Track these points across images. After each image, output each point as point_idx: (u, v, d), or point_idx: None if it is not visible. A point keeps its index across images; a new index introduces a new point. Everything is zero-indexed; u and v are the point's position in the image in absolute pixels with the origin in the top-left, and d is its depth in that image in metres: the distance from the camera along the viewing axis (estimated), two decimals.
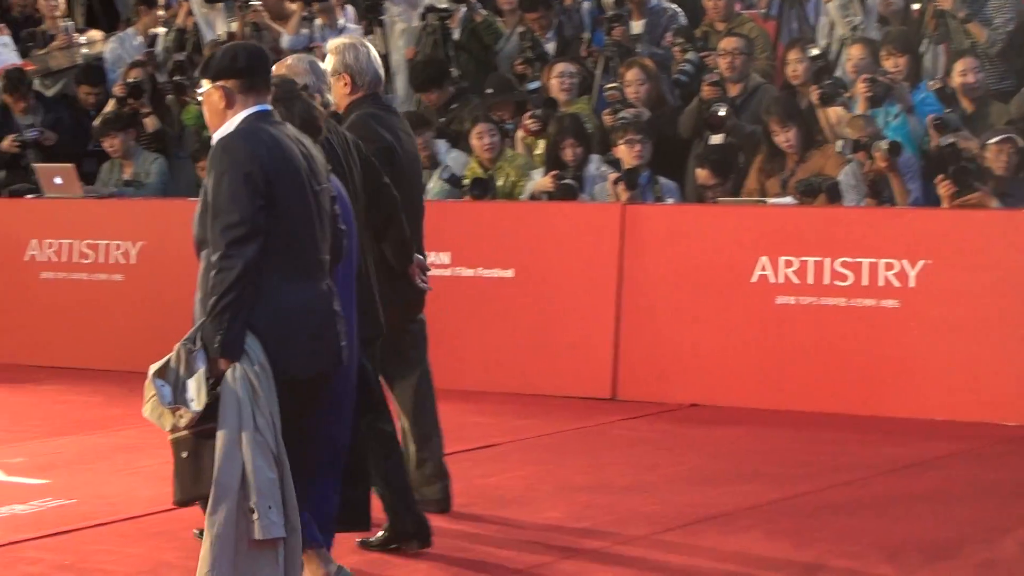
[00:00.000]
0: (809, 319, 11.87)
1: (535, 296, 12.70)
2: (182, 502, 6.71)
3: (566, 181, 12.86)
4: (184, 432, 6.57)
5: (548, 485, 9.78)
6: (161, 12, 16.26)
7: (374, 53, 8.58)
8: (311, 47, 14.91)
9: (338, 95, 8.52)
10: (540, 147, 13.57)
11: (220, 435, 6.48)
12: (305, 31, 15.29)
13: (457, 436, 11.01)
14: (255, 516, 6.47)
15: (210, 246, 6.59)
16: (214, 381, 6.52)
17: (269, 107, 6.85)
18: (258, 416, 6.49)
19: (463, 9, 15.08)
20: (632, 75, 13.57)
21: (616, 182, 12.63)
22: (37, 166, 14.52)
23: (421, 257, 8.56)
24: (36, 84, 15.71)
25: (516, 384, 12.58)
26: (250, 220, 6.53)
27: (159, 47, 15.85)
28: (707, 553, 8.26)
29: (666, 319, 12.29)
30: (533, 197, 13.11)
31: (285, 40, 15.16)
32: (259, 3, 15.46)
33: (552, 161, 13.17)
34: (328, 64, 8.46)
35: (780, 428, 11.35)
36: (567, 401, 12.27)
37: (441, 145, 13.75)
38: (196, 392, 6.51)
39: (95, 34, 16.60)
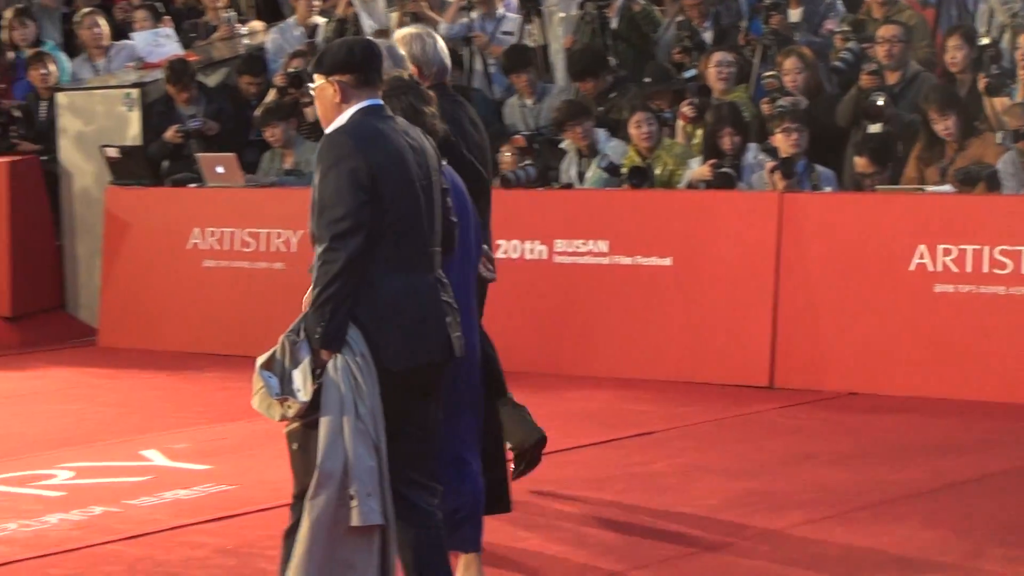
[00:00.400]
0: (967, 307, 11.76)
1: (693, 284, 12.67)
2: (298, 495, 6.75)
3: (724, 170, 12.82)
4: (295, 424, 6.69)
5: (705, 472, 9.78)
6: (317, 2, 16.36)
7: (441, 44, 8.40)
8: (470, 36, 15.00)
9: None
10: (698, 136, 13.54)
11: (323, 423, 6.58)
12: (463, 20, 15.34)
13: (615, 423, 11.10)
14: (354, 503, 6.53)
15: (316, 240, 6.67)
16: (319, 371, 6.61)
17: (380, 101, 6.88)
18: (360, 406, 6.57)
19: None
20: (790, 63, 13.48)
21: (773, 171, 12.57)
22: (200, 156, 14.68)
23: (486, 247, 8.41)
24: (199, 75, 15.88)
25: (673, 372, 12.56)
26: (354, 214, 6.59)
27: (319, 37, 15.96)
28: (865, 540, 8.22)
29: (824, 307, 12.22)
30: (691, 186, 13.07)
31: (442, 28, 15.22)
32: None
33: (710, 150, 13.13)
34: None
35: (938, 416, 11.25)
36: (724, 389, 12.23)
37: (600, 134, 13.74)
38: (302, 383, 6.62)
39: (256, 24, 16.75)
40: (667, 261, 12.75)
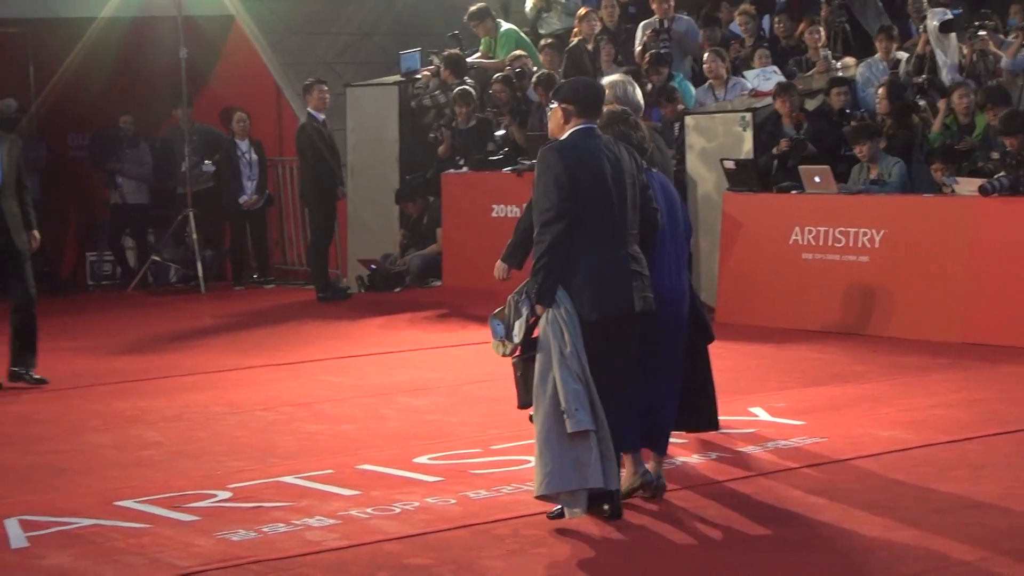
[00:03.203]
0: None
1: None
2: (523, 406, 7.89)
3: None
4: (515, 358, 7.86)
5: None
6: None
7: (636, 90, 8.94)
8: None
9: None
10: None
11: (538, 360, 7.64)
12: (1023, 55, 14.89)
13: None
14: (566, 416, 7.48)
15: (535, 225, 7.72)
16: (534, 321, 7.70)
17: (593, 125, 7.86)
18: (564, 346, 7.55)
19: None
20: None
21: None
22: (801, 168, 14.75)
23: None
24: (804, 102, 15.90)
25: None
26: (555, 207, 7.61)
27: (901, 70, 15.78)
28: None
29: None
30: None
31: (1004, 63, 14.84)
32: (984, 33, 15.19)
33: None
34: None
35: None
36: None
37: None
38: (518, 330, 7.79)
39: (848, 60, 16.68)
40: None
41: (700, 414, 8.68)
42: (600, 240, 7.70)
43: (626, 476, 8.08)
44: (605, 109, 8.21)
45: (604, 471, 7.57)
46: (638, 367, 7.94)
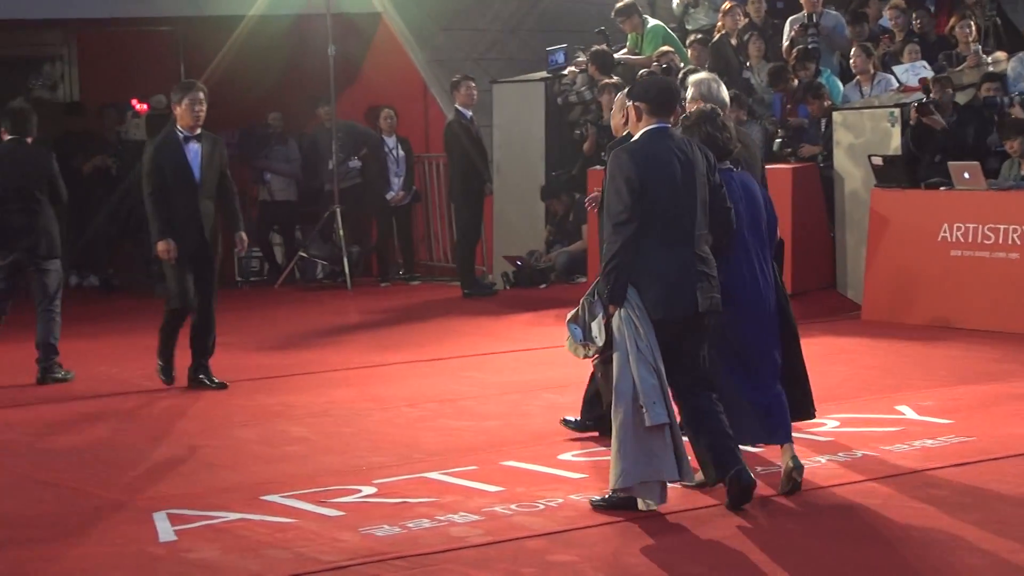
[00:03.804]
0: None
1: None
2: (607, 406, 8.05)
3: None
4: (596, 360, 8.06)
5: None
6: None
7: (722, 87, 8.91)
8: None
9: None
10: None
11: (615, 358, 7.78)
12: None
13: None
14: (644, 410, 7.63)
15: (606, 226, 7.82)
16: (607, 322, 7.81)
17: (666, 125, 7.95)
18: (640, 343, 7.70)
19: None
20: None
21: None
22: (950, 164, 14.56)
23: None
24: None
25: None
26: (628, 209, 7.71)
27: None
28: None
29: None
30: None
31: None
32: None
33: None
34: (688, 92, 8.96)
35: None
36: None
37: None
38: (598, 331, 7.90)
39: (1000, 55, 16.43)
40: None
41: (794, 405, 8.53)
42: (667, 241, 7.83)
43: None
44: (694, 107, 8.46)
45: (679, 464, 7.77)
46: (718, 365, 8.11)
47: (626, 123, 8.61)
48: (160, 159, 11.79)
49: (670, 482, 7.87)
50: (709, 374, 8.03)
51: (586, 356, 8.18)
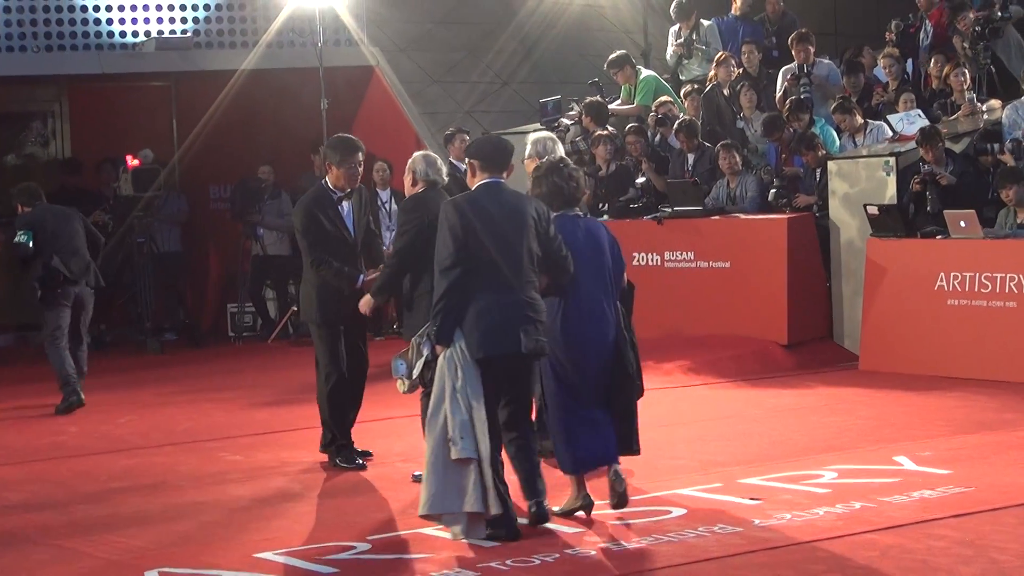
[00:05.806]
0: None
1: None
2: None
3: None
4: (421, 395, 8.95)
5: None
6: None
7: (558, 145, 9.73)
8: None
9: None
10: None
11: (433, 393, 8.46)
12: None
13: None
14: (451, 444, 8.27)
15: (435, 273, 8.50)
16: (435, 359, 8.48)
17: (499, 179, 8.75)
18: (456, 382, 8.35)
19: None
20: None
21: None
22: (946, 212, 14.58)
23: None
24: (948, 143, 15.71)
25: None
26: (451, 256, 8.41)
27: None
28: None
29: None
30: None
31: None
32: None
33: None
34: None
35: None
36: None
37: None
38: (418, 370, 8.68)
39: (994, 103, 16.48)
40: None
41: (620, 438, 9.03)
42: (492, 286, 8.47)
43: (568, 498, 8.91)
44: (531, 164, 9.36)
45: (484, 497, 8.31)
46: (553, 394, 8.84)
47: (414, 184, 10.00)
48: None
49: (477, 512, 8.35)
50: (528, 412, 8.76)
51: (405, 391, 8.91)
